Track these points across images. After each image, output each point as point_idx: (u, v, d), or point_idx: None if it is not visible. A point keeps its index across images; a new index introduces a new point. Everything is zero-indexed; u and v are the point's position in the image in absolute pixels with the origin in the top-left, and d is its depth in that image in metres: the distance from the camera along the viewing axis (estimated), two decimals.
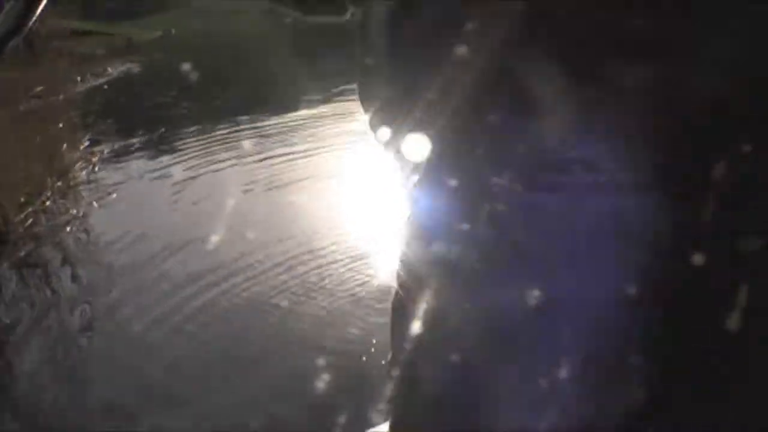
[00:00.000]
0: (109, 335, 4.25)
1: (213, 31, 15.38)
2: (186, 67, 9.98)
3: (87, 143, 7.66)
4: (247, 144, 7.58)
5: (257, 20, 16.03)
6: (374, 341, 3.69)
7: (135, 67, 11.90)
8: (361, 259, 4.74)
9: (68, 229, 5.71)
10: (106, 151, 7.51)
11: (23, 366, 3.90)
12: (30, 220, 5.71)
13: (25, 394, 3.71)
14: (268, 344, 3.94)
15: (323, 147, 7.39)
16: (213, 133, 8.01)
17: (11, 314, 4.44)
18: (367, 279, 4.48)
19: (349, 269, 4.67)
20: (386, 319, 0.57)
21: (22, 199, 6.00)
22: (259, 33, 14.31)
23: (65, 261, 5.32)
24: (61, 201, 6.24)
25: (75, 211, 6.05)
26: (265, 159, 7.20)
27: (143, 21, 16.99)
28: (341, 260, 4.82)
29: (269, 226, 5.44)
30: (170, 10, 19.22)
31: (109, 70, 11.48)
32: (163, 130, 8.22)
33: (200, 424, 3.30)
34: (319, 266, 4.73)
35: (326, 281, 4.54)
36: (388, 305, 0.59)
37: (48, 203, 6.13)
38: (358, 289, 4.40)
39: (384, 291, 4.19)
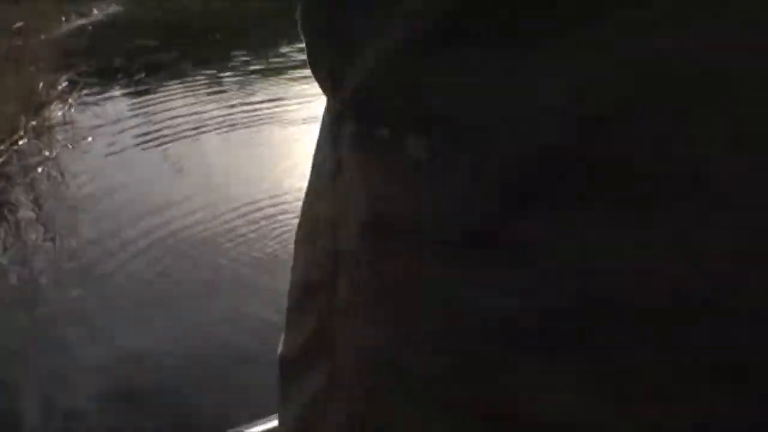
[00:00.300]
0: (71, 276, 4.23)
1: None
2: (172, 15, 9.82)
3: (65, 84, 7.55)
4: (226, 91, 7.50)
5: None
6: None
7: (121, 10, 11.71)
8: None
9: (40, 169, 5.65)
10: (84, 93, 7.39)
11: None
12: (1, 159, 5.65)
13: None
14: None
15: (300, 95, 7.32)
16: (194, 79, 7.92)
17: None
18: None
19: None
20: None
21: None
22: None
23: (34, 201, 5.29)
24: (35, 141, 6.16)
25: (48, 153, 5.98)
26: (243, 104, 7.15)
27: None
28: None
29: (236, 169, 5.40)
30: None
31: (95, 11, 11.29)
32: (143, 74, 8.10)
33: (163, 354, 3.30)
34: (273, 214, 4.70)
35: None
36: None
37: (21, 142, 6.05)
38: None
39: None
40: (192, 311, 3.71)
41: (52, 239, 4.58)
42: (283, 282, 0.60)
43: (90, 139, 6.27)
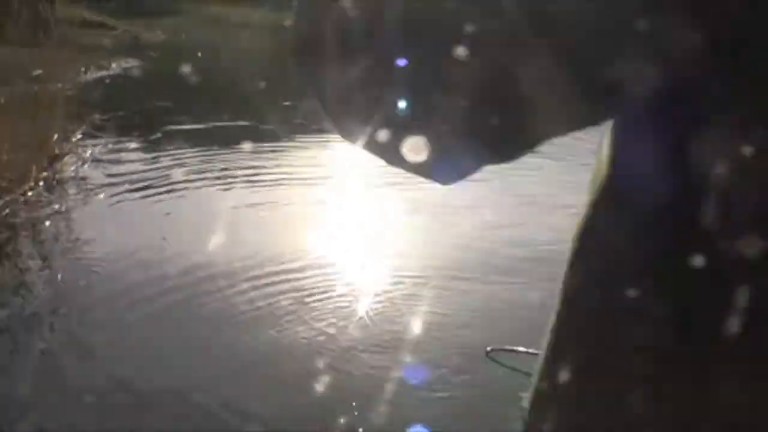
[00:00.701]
0: (74, 338, 4.02)
1: (219, 40, 15.28)
2: (189, 71, 9.82)
3: (80, 136, 7.44)
4: (241, 159, 7.41)
5: (265, 31, 15.90)
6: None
7: (138, 66, 11.74)
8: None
9: (47, 223, 5.47)
10: (98, 149, 7.28)
11: None
12: (8, 209, 5.47)
13: None
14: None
15: (319, 168, 7.26)
16: (210, 146, 7.83)
17: None
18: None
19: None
20: None
21: (3, 184, 5.77)
22: (265, 46, 14.17)
23: (39, 256, 5.10)
24: (45, 193, 6.01)
25: (57, 206, 5.81)
26: (258, 177, 7.03)
27: (152, 21, 16.93)
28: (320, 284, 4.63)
29: (252, 244, 5.25)
30: (181, 14, 19.22)
31: (113, 65, 11.31)
32: (159, 135, 8.02)
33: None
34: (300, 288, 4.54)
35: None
36: None
37: (30, 193, 5.89)
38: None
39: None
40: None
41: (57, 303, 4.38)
42: None
43: (101, 196, 6.13)
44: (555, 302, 0.57)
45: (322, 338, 4.10)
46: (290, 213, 6.14)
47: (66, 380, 3.64)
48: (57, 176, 6.43)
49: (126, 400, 3.45)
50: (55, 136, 6.96)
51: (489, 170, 0.53)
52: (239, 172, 7.06)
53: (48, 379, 3.63)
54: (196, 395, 3.51)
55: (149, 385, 3.56)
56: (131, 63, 11.72)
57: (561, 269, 0.58)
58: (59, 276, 4.83)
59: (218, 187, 6.66)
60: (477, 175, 0.53)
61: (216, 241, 5.30)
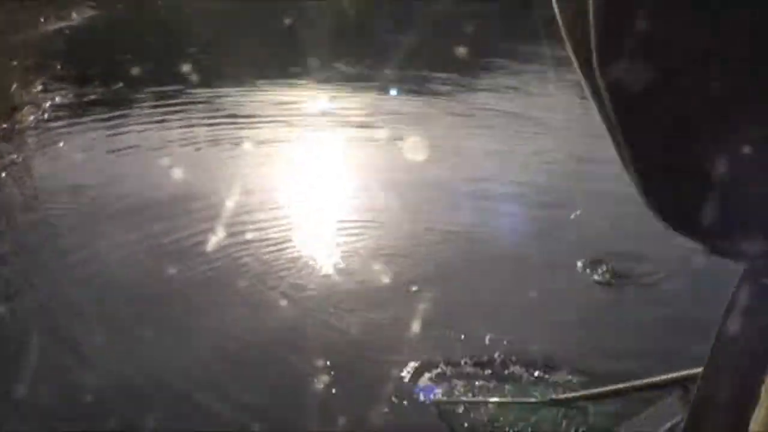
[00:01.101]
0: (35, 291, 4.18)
1: None
2: (154, 26, 9.78)
3: (40, 87, 7.48)
4: (198, 109, 7.47)
5: None
6: None
7: (101, 17, 11.62)
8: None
9: (3, 174, 5.58)
10: (57, 99, 7.33)
11: None
12: None
13: None
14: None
15: (270, 117, 7.35)
16: (167, 98, 7.89)
17: None
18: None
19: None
20: None
21: None
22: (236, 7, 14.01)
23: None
24: (3, 144, 6.09)
25: (16, 156, 5.91)
26: (218, 117, 7.16)
27: None
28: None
29: (203, 183, 5.40)
30: None
31: (74, 15, 11.19)
32: (120, 85, 8.06)
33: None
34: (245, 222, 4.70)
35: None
36: None
37: None
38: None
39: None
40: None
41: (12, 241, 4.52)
42: None
43: (61, 144, 6.23)
44: None
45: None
46: (245, 151, 6.30)
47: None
48: (16, 127, 6.50)
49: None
50: (14, 86, 7.01)
51: None
52: (199, 115, 7.17)
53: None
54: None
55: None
56: (91, 13, 11.60)
57: None
58: (19, 225, 4.98)
59: (180, 129, 6.75)
60: None
61: (177, 178, 5.46)
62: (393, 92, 8.24)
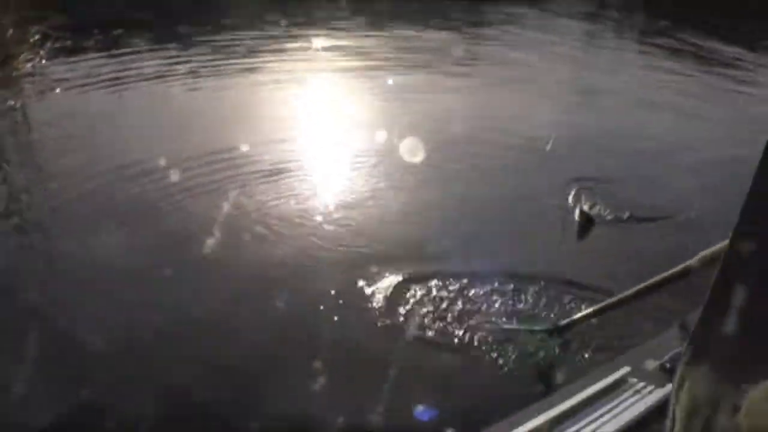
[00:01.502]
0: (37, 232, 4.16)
1: None
2: None
3: (37, 36, 7.40)
4: (200, 58, 7.40)
5: None
6: None
7: None
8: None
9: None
10: (57, 46, 7.25)
11: None
12: None
13: None
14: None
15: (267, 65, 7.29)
16: (167, 44, 7.80)
17: None
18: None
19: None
20: None
21: None
22: None
23: None
24: (0, 90, 6.04)
25: (13, 102, 5.87)
26: (213, 69, 7.07)
27: None
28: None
29: (205, 124, 5.36)
30: None
31: None
32: (120, 31, 7.96)
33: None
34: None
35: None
36: None
37: None
38: None
39: None
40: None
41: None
42: None
43: (57, 90, 6.17)
44: None
45: None
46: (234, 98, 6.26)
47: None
48: (14, 74, 6.45)
49: None
50: (10, 33, 6.92)
51: None
52: (197, 65, 7.10)
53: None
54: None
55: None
56: None
57: None
58: (15, 170, 4.96)
59: (178, 80, 6.68)
60: None
61: (175, 126, 5.43)
62: None
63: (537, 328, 3.11)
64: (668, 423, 0.72)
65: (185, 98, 6.25)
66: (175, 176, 4.52)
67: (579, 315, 2.99)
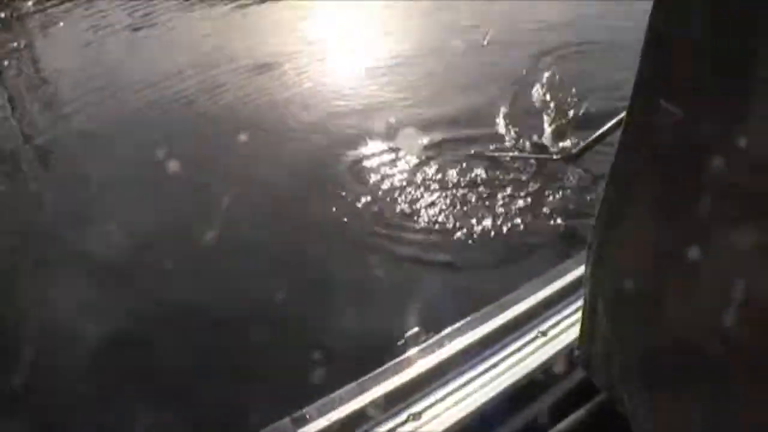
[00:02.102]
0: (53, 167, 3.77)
1: None
2: None
3: None
4: None
5: None
6: None
7: None
8: None
9: (6, 62, 5.10)
10: None
11: None
12: None
13: None
14: None
15: None
16: None
17: None
18: None
19: None
20: None
21: None
22: None
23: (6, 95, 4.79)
24: (3, 33, 5.60)
25: (16, 44, 5.42)
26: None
27: None
28: None
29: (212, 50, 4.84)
30: None
31: None
32: None
33: None
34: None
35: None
36: None
37: None
38: None
39: None
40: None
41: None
42: None
43: (61, 24, 5.68)
44: None
45: None
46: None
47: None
48: (14, 14, 5.99)
49: None
50: None
51: None
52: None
53: None
54: None
55: None
56: None
57: None
58: (28, 112, 4.53)
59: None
60: None
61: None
62: None
63: (553, 156, 3.20)
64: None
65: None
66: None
67: (589, 140, 2.89)
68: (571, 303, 1.29)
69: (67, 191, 3.41)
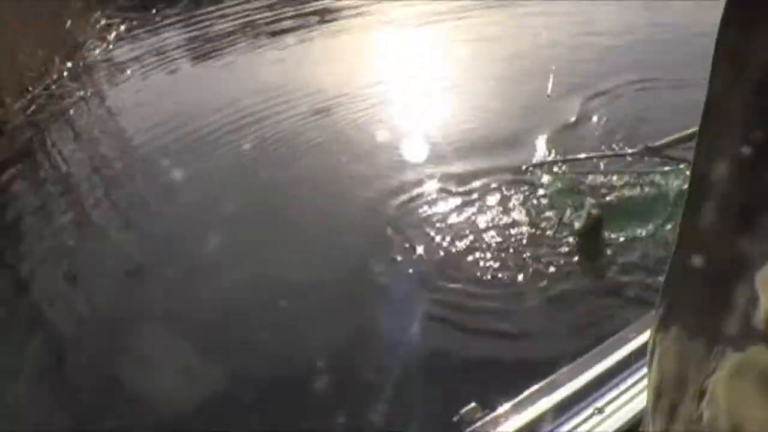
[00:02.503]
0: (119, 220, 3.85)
1: None
2: None
3: (102, 21, 7.13)
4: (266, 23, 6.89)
5: None
6: None
7: None
8: None
9: (71, 112, 5.25)
10: (122, 28, 6.98)
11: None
12: (33, 107, 5.26)
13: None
14: None
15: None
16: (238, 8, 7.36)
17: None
18: None
19: None
20: None
21: (26, 81, 5.48)
22: None
23: (76, 139, 4.91)
24: (69, 84, 5.77)
25: (82, 93, 5.59)
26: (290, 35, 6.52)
27: None
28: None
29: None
30: None
31: None
32: (186, 1, 7.61)
33: None
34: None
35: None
36: None
37: (54, 87, 5.64)
38: None
39: None
40: None
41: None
42: None
43: (128, 72, 5.86)
44: None
45: None
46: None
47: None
48: (81, 64, 6.19)
49: None
50: (69, 24, 6.61)
51: None
52: (266, 40, 6.52)
53: None
54: None
55: None
56: None
57: None
58: (93, 160, 4.65)
59: (254, 51, 6.18)
60: None
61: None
62: None
63: (630, 150, 3.37)
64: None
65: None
66: None
67: (672, 137, 3.13)
68: (631, 375, 1.25)
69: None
